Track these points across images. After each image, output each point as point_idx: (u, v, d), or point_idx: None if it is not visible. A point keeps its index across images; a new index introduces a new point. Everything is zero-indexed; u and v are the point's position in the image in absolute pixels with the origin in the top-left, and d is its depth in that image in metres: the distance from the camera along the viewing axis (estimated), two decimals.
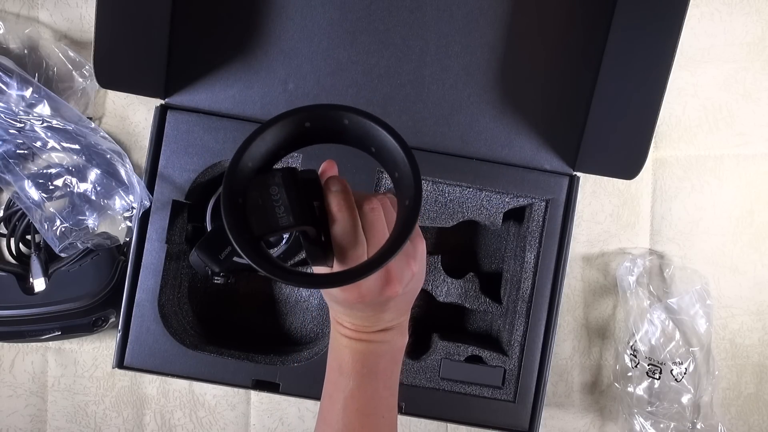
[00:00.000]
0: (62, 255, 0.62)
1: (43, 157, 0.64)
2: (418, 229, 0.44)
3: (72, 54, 0.67)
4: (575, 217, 0.64)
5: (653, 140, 0.66)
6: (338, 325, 0.47)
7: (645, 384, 0.68)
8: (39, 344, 0.71)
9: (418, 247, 0.44)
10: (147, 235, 0.63)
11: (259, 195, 0.37)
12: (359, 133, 0.38)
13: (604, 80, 0.60)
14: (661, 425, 0.67)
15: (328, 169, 0.42)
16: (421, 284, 0.47)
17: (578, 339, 0.73)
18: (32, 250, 0.66)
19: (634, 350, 0.68)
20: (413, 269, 0.43)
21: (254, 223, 0.37)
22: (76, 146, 0.62)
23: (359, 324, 0.46)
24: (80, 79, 0.67)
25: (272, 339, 0.71)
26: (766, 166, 0.72)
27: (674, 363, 0.67)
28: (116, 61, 0.60)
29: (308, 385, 0.63)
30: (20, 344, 0.71)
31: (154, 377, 0.71)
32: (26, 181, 0.62)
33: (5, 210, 0.68)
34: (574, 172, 0.64)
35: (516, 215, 0.69)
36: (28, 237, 0.67)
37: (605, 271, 0.72)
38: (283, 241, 0.66)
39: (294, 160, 0.64)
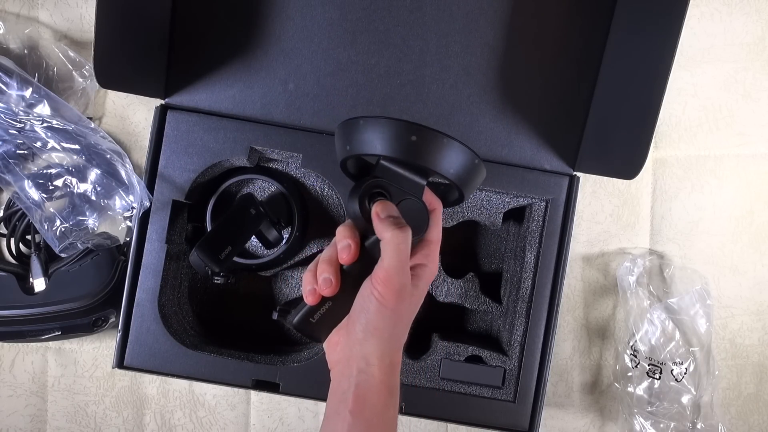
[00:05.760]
0: (62, 255, 0.62)
1: (43, 157, 0.64)
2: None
3: (72, 54, 0.67)
4: (575, 217, 0.64)
5: (653, 140, 0.66)
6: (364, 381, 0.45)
7: (645, 384, 0.68)
8: (39, 344, 0.71)
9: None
10: (147, 235, 0.63)
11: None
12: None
13: (604, 80, 0.60)
14: (661, 425, 0.67)
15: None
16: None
17: (578, 339, 0.73)
18: (32, 250, 0.66)
19: (634, 350, 0.68)
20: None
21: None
22: (76, 146, 0.62)
23: (395, 351, 0.46)
24: (80, 79, 0.67)
25: (272, 339, 0.71)
26: (766, 166, 0.72)
27: (674, 363, 0.67)
28: (116, 61, 0.60)
29: (308, 385, 0.63)
30: (20, 344, 0.71)
31: (154, 377, 0.71)
32: (26, 181, 0.61)
33: (5, 210, 0.68)
34: (574, 172, 0.64)
35: (516, 215, 0.69)
36: (28, 237, 0.67)
37: (605, 271, 0.72)
38: (283, 241, 0.66)
39: (293, 160, 0.64)
